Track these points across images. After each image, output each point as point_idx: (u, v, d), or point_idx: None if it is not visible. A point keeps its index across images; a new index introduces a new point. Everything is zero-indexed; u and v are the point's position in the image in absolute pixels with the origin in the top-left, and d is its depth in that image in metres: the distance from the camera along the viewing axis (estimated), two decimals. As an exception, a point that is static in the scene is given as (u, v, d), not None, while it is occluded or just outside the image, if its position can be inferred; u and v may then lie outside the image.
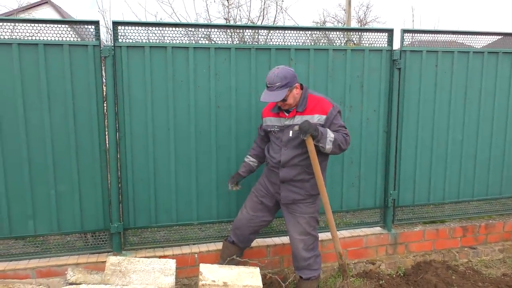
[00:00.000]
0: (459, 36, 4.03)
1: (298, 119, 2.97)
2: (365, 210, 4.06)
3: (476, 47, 4.11)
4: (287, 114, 3.04)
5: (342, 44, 3.89)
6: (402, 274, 3.89)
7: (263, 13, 8.72)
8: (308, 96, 3.03)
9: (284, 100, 2.94)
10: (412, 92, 3.90)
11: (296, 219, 3.11)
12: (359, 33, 3.82)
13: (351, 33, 3.73)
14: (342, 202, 3.87)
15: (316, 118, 2.95)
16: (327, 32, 3.86)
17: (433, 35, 3.96)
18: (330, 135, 2.88)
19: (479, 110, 4.15)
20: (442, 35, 3.93)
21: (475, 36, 4.09)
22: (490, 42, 4.31)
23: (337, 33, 3.91)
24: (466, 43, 4.09)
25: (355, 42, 4.30)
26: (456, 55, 3.97)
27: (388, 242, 4.02)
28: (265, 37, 3.70)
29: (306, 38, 3.66)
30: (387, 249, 4.04)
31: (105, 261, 3.28)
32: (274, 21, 9.33)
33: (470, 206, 4.39)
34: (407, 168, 4.01)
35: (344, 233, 3.94)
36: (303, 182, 3.05)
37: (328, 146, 2.88)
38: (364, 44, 3.82)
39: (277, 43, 3.56)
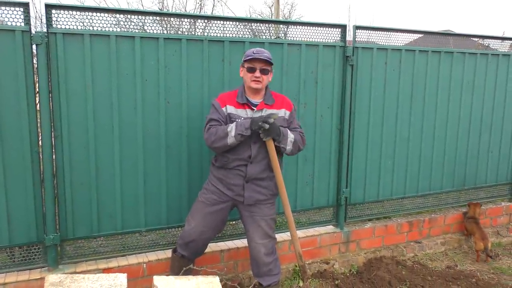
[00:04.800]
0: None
1: (268, 113, 2.86)
2: (318, 209, 3.99)
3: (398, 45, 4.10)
4: (254, 108, 2.87)
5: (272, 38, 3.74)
6: (355, 272, 3.88)
7: (200, 5, 8.45)
8: (271, 92, 2.97)
9: (266, 71, 2.82)
10: (364, 89, 3.89)
11: (257, 223, 2.94)
12: (312, 27, 3.69)
13: (305, 27, 3.61)
14: (296, 202, 3.76)
15: (283, 113, 2.93)
16: (280, 26, 3.72)
17: (380, 32, 3.98)
18: (291, 135, 2.87)
19: (423, 108, 4.26)
20: (393, 33, 3.96)
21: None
22: (412, 40, 4.42)
23: (267, 26, 3.78)
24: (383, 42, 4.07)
25: (281, 37, 4.19)
26: (404, 53, 4.04)
27: (340, 240, 3.99)
28: (202, 30, 3.44)
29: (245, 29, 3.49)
30: (340, 248, 4.01)
31: (39, 279, 2.90)
32: (212, 13, 9.07)
33: (415, 202, 4.50)
34: (358, 166, 4.00)
35: (298, 233, 3.81)
36: (268, 180, 2.93)
37: (289, 147, 2.88)
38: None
39: (230, 35, 3.35)
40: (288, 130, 2.90)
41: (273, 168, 2.89)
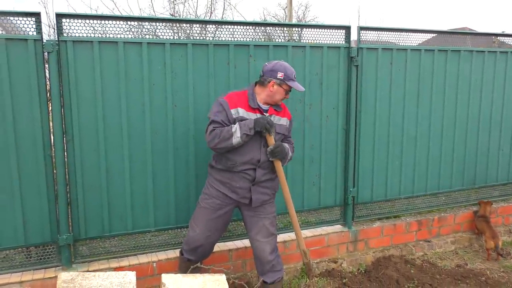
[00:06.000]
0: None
1: (276, 119, 2.96)
2: (325, 209, 4.03)
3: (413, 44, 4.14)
4: (265, 113, 2.92)
5: (283, 41, 3.81)
6: (363, 271, 3.91)
7: (211, 9, 8.55)
8: None
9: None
10: (369, 90, 3.92)
11: (261, 222, 3.01)
12: (316, 29, 3.75)
13: (309, 29, 3.67)
14: (303, 202, 3.82)
15: (285, 121, 3.04)
16: (285, 28, 3.78)
17: (386, 32, 4.00)
18: (289, 154, 3.03)
19: (431, 107, 4.26)
20: (401, 33, 3.99)
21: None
22: (425, 40, 4.42)
23: (280, 29, 3.86)
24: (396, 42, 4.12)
25: (296, 39, 4.25)
26: (409, 53, 4.05)
27: (348, 239, 4.02)
28: (213, 34, 3.52)
29: (256, 34, 3.56)
30: (348, 247, 4.04)
31: (54, 277, 3.01)
32: (222, 17, 9.17)
33: (424, 201, 4.50)
34: (365, 165, 4.03)
35: (305, 233, 3.88)
36: (271, 181, 3.03)
37: (284, 164, 3.06)
38: (317, 41, 3.74)
39: (236, 39, 3.42)
40: (288, 148, 3.02)
41: (280, 184, 3.05)
